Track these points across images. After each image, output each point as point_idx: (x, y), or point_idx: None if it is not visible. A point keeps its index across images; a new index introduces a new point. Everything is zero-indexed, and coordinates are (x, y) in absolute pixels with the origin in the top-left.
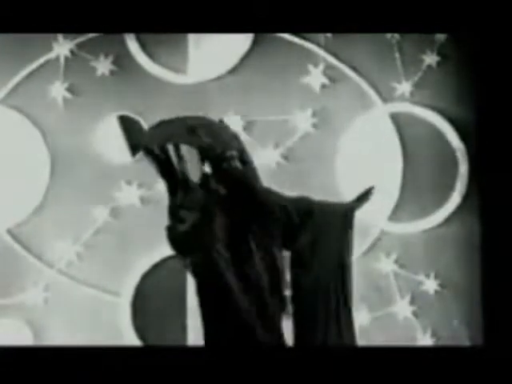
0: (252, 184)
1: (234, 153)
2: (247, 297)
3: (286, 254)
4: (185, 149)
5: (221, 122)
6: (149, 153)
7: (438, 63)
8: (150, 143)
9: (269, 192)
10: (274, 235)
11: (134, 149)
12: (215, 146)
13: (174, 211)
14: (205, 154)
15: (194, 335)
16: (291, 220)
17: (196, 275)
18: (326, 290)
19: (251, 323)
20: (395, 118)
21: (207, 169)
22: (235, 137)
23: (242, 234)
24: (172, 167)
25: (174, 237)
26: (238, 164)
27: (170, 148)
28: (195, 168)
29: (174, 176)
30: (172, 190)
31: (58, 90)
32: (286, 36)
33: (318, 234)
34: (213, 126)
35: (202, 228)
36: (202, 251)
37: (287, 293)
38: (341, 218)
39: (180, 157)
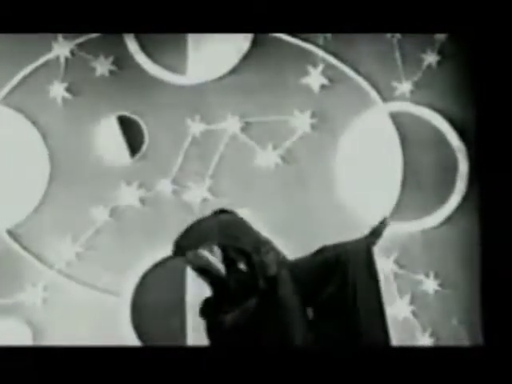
0: (285, 272)
1: (268, 246)
2: None
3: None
4: (216, 248)
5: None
6: (187, 260)
7: (439, 63)
8: (184, 251)
9: (297, 264)
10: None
11: (133, 149)
12: (251, 242)
13: (220, 307)
14: (239, 252)
15: (194, 335)
16: (312, 278)
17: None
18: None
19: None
20: (395, 118)
21: (242, 265)
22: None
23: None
24: (208, 269)
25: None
26: (273, 257)
27: (204, 250)
28: (227, 265)
29: (210, 276)
30: (215, 289)
31: (57, 90)
32: (285, 36)
33: (344, 280)
34: (241, 221)
35: (258, 319)
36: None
37: None
38: (364, 257)
39: (214, 256)
